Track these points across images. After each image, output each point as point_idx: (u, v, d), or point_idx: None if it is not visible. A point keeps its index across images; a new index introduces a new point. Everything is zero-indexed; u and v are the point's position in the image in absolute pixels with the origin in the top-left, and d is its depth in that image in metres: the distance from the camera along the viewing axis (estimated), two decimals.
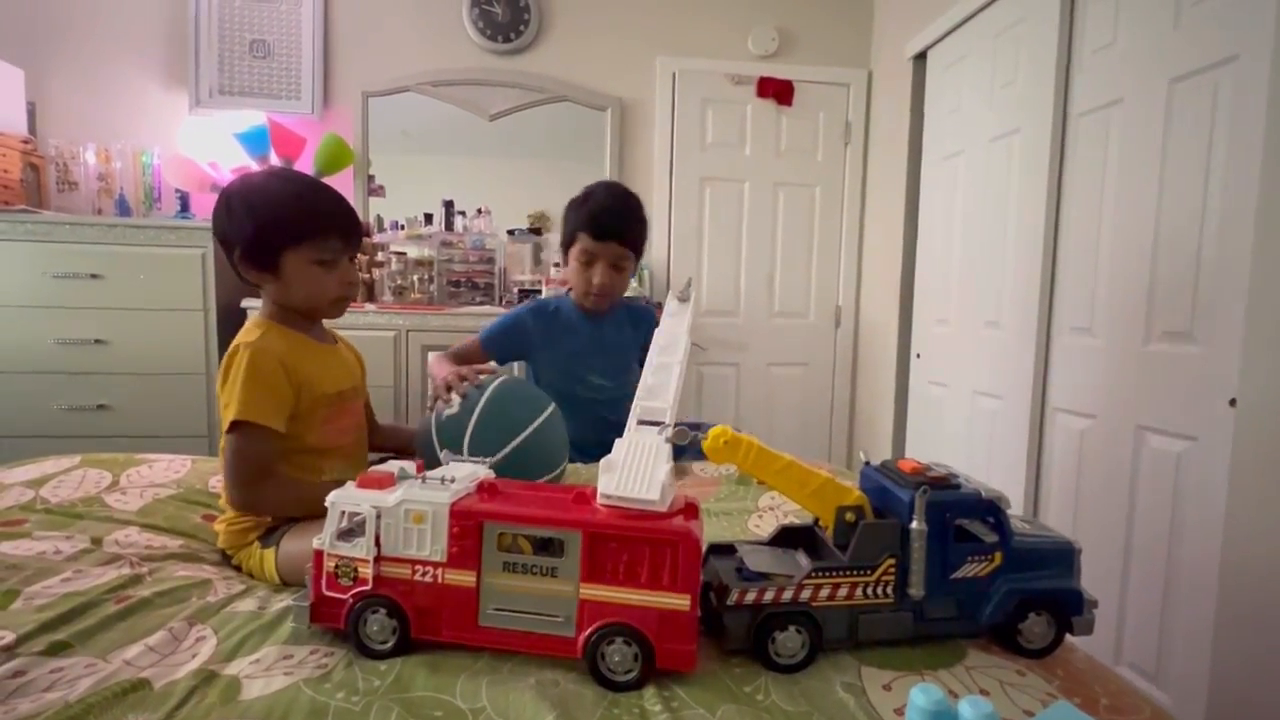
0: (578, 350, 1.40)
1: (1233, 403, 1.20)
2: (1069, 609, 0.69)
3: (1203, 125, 1.30)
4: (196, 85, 2.43)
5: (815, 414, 2.83)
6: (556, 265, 2.54)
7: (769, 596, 0.65)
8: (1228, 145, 1.25)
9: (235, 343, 0.88)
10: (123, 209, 2.28)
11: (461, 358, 1.35)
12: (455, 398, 0.98)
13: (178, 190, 2.35)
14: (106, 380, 2.06)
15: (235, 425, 0.83)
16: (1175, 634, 1.34)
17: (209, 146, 2.45)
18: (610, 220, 1.30)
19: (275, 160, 2.41)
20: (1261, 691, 1.10)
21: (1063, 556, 0.70)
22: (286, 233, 0.89)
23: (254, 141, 2.37)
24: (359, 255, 2.28)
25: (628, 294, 2.45)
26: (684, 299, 0.92)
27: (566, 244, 1.37)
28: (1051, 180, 1.69)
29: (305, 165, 2.42)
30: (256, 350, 0.86)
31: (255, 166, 2.40)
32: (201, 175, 2.36)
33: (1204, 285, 1.30)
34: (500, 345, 1.43)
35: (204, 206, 2.41)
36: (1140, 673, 1.42)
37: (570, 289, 1.44)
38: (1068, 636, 0.70)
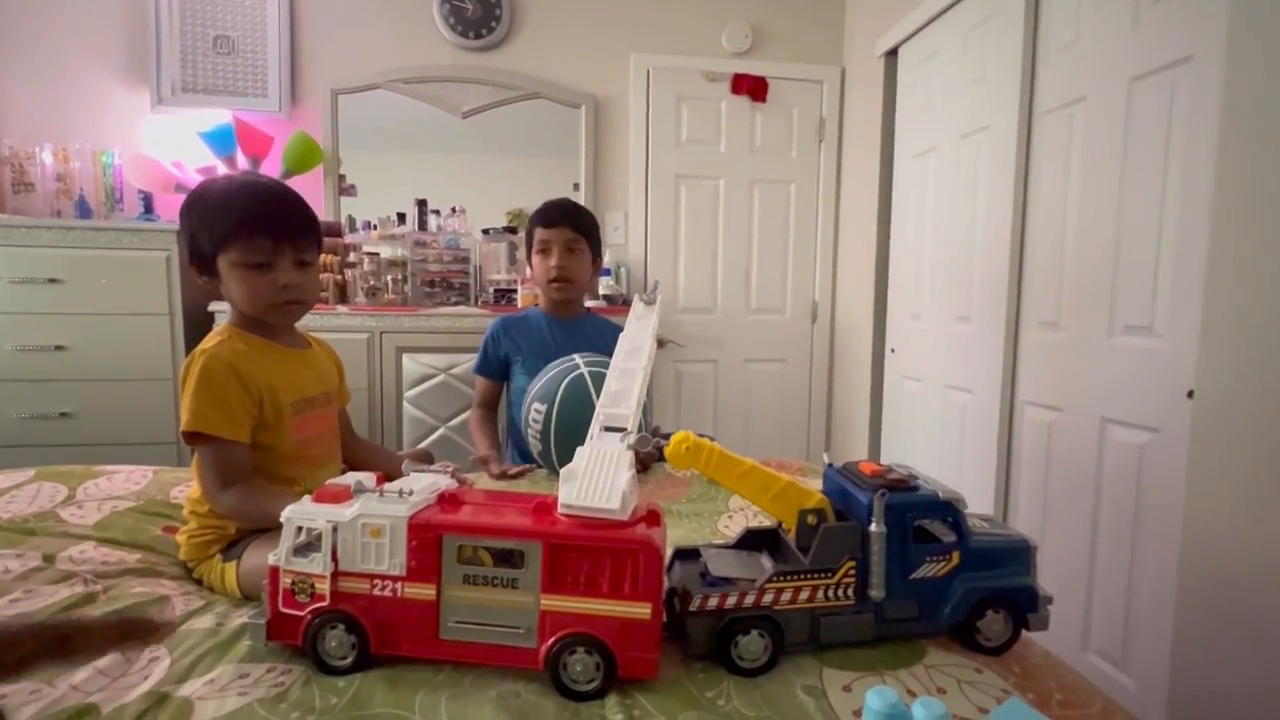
0: (550, 356, 1.40)
1: (1190, 394, 1.23)
2: (1026, 606, 0.70)
3: (1161, 123, 1.33)
4: (158, 82, 2.36)
5: (792, 410, 2.85)
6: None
7: (731, 601, 0.66)
8: (1184, 143, 1.28)
9: (194, 350, 0.88)
10: (83, 211, 2.22)
11: (481, 399, 1.57)
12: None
13: (140, 191, 2.30)
14: (69, 388, 2.00)
15: (190, 437, 0.84)
16: (1139, 621, 1.37)
17: (173, 146, 2.39)
18: (556, 208, 1.49)
19: (242, 160, 2.36)
20: (1220, 672, 1.14)
21: (1019, 554, 0.72)
22: (212, 235, 0.87)
23: (219, 141, 2.32)
24: (329, 256, 2.27)
25: (605, 295, 2.46)
26: (650, 302, 0.91)
27: (528, 250, 1.53)
28: (1018, 177, 1.71)
29: (273, 164, 2.37)
30: (210, 358, 0.86)
31: (221, 166, 2.35)
32: (165, 175, 2.31)
33: (1163, 279, 1.33)
34: (490, 368, 1.55)
35: (168, 208, 2.35)
36: (1107, 659, 1.46)
37: (538, 301, 1.60)
38: (1025, 632, 0.71)
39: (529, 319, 1.56)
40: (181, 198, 2.34)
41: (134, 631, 0.37)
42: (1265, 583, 1.06)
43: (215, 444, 0.83)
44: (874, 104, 2.43)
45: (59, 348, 1.99)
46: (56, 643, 0.32)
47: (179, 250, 2.06)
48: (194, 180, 2.33)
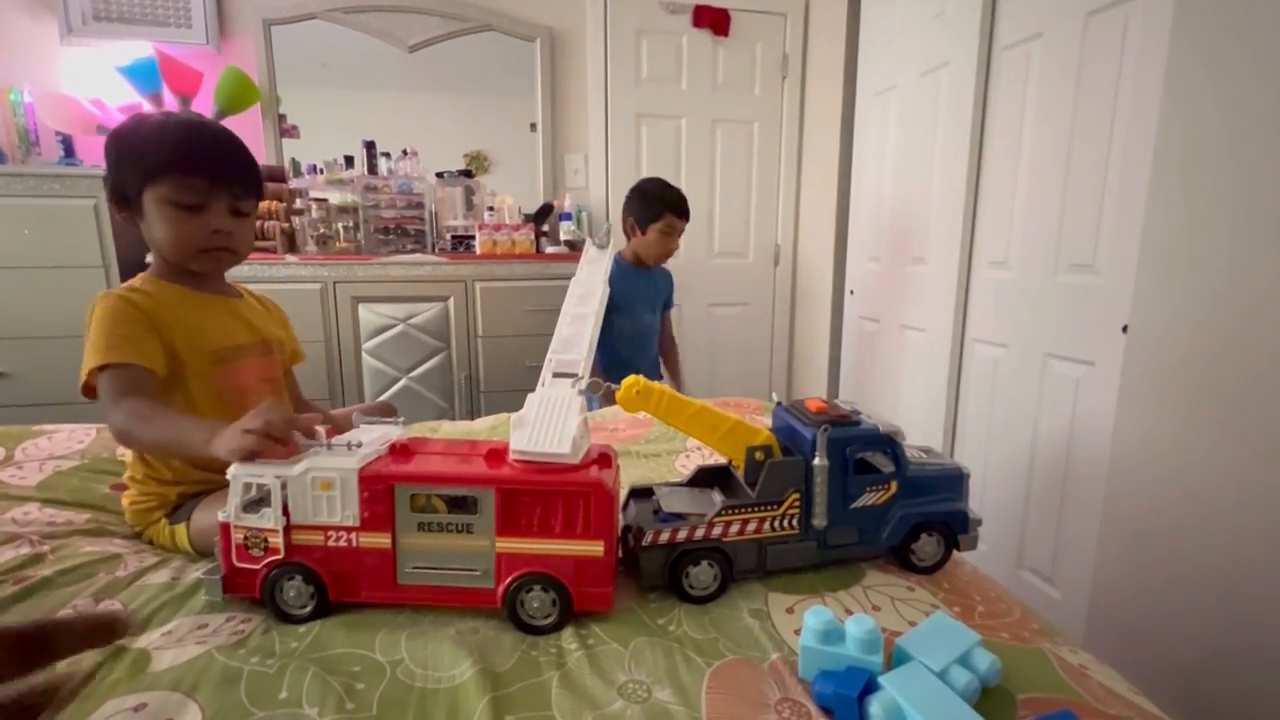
0: (634, 296, 1.95)
1: (1125, 329, 1.29)
2: (957, 528, 0.75)
3: (1112, 60, 1.33)
4: (66, 11, 2.14)
5: (756, 353, 2.90)
6: (490, 210, 2.45)
7: (682, 535, 0.68)
8: (1134, 80, 1.29)
9: (96, 296, 0.82)
10: None
11: None
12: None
13: (58, 133, 2.12)
14: (0, 346, 1.91)
15: (99, 372, 0.76)
16: (1068, 539, 1.48)
17: (91, 82, 2.20)
18: (686, 203, 1.91)
19: (169, 98, 2.19)
20: (1135, 582, 1.25)
21: (952, 481, 0.76)
22: (143, 166, 0.81)
23: (141, 76, 2.14)
24: (274, 203, 2.16)
25: (566, 240, 2.42)
26: (602, 245, 0.90)
27: (648, 221, 1.89)
28: (975, 115, 1.71)
29: (205, 103, 2.21)
30: (113, 299, 0.80)
31: (147, 105, 2.18)
32: (85, 115, 2.13)
33: (1107, 217, 1.36)
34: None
35: (91, 151, 2.19)
36: (1038, 575, 1.58)
37: (620, 252, 1.98)
38: (956, 552, 0.76)
39: (618, 274, 1.86)
40: (103, 139, 2.18)
41: (102, 629, 0.37)
42: (1181, 505, 1.15)
43: (112, 369, 0.76)
44: (837, 39, 2.37)
45: None
46: (35, 647, 0.31)
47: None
48: (117, 120, 2.17)
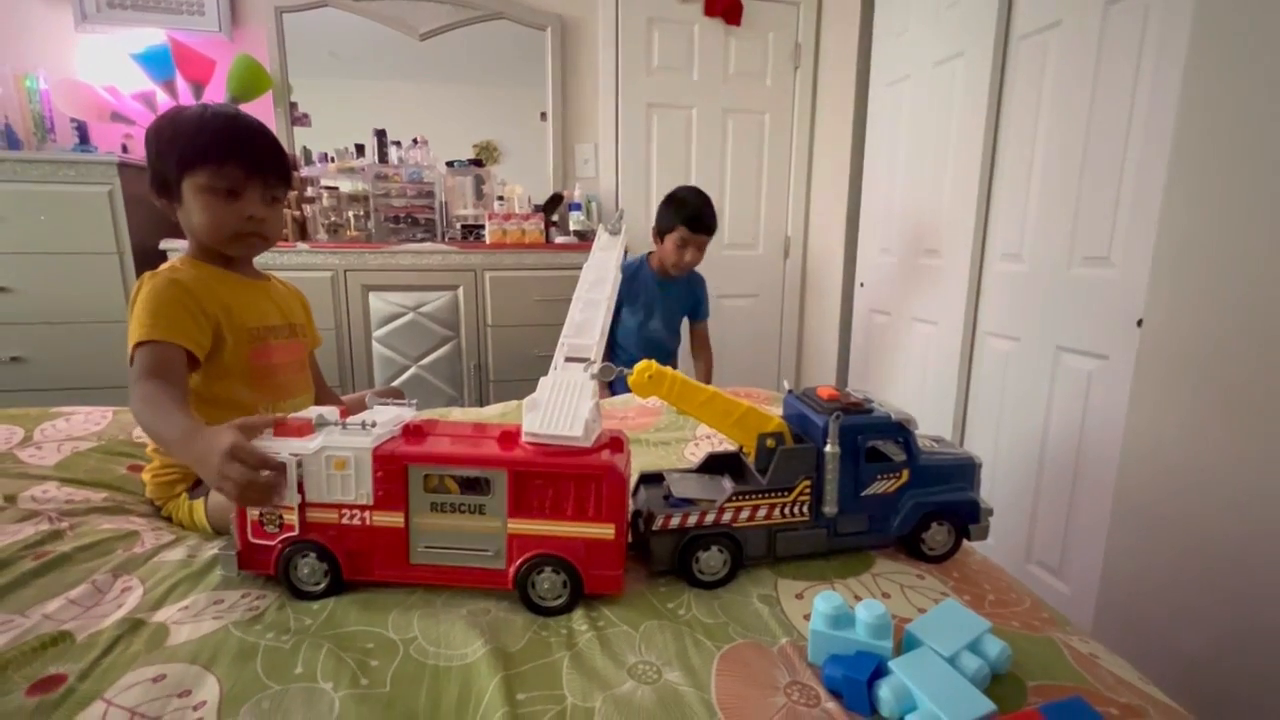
0: (649, 302, 1.94)
1: (1139, 323, 1.28)
2: (968, 518, 0.75)
3: (1132, 49, 1.31)
4: None
5: (765, 345, 2.89)
6: (500, 199, 2.45)
7: (692, 520, 0.69)
8: (1153, 71, 1.27)
9: (143, 274, 0.86)
10: (11, 141, 2.06)
11: None
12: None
13: (73, 120, 2.14)
14: (16, 331, 1.93)
15: (137, 348, 0.79)
16: (1077, 533, 1.47)
17: (105, 69, 2.21)
18: (704, 219, 1.83)
19: (182, 85, 2.20)
20: (1145, 576, 1.24)
21: (964, 471, 0.75)
22: (182, 154, 0.84)
23: (155, 63, 2.14)
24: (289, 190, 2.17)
25: (576, 230, 2.42)
26: (615, 232, 0.90)
27: (664, 231, 1.86)
28: (991, 106, 1.69)
29: (217, 89, 2.22)
30: (160, 280, 0.84)
31: (160, 92, 2.19)
32: (100, 102, 2.14)
33: (1122, 210, 1.35)
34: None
35: (106, 137, 2.20)
36: (1046, 569, 1.57)
37: (650, 255, 1.96)
38: (966, 541, 0.76)
39: (640, 275, 1.93)
40: (119, 127, 2.18)
41: None
42: (1193, 500, 1.14)
43: (150, 346, 0.79)
44: (850, 28, 2.35)
45: (2, 289, 1.90)
46: None
47: (123, 184, 1.95)
48: (131, 107, 2.18)
